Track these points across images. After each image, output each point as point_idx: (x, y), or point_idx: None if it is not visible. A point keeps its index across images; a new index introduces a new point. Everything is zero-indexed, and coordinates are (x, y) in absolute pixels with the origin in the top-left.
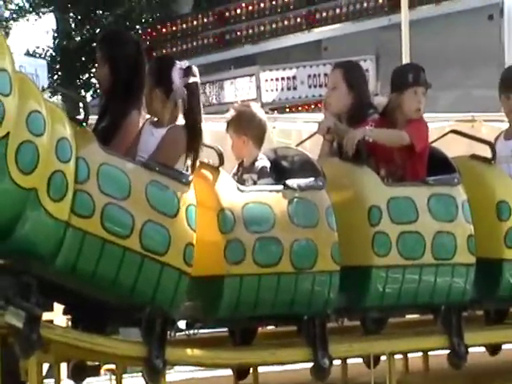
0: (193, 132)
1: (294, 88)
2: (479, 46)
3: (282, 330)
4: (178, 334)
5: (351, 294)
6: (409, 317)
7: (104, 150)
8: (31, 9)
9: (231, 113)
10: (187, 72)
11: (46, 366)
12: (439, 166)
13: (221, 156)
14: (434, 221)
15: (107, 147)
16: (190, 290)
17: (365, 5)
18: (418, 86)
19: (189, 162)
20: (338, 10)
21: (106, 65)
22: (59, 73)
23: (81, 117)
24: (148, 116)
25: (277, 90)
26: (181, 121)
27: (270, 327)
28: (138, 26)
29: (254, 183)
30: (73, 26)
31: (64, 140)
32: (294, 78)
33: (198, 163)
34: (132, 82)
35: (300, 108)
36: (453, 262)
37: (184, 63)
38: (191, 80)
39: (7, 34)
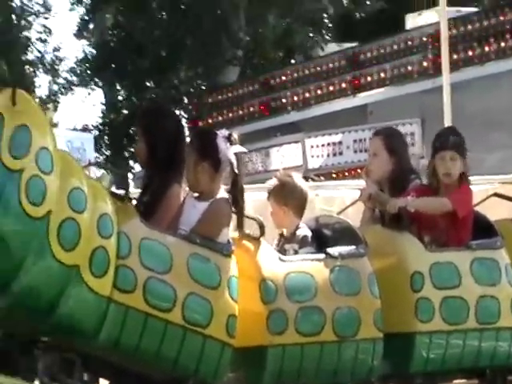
0: (241, 198)
1: (340, 153)
2: None
3: None
4: None
5: (395, 361)
6: (456, 382)
7: (145, 225)
8: (79, 83)
9: (273, 182)
10: (230, 140)
11: None
12: (482, 229)
13: (262, 227)
14: (477, 285)
15: (148, 222)
16: (233, 360)
17: (409, 68)
18: (445, 151)
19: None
20: (382, 74)
21: (144, 139)
22: (107, 145)
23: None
24: (187, 189)
25: (322, 155)
26: (222, 193)
27: None
28: (184, 97)
29: (296, 253)
30: (120, 98)
31: (105, 216)
32: (340, 143)
33: (239, 235)
34: (172, 156)
35: (346, 173)
36: (497, 325)
37: (223, 131)
38: (238, 149)
39: (56, 108)
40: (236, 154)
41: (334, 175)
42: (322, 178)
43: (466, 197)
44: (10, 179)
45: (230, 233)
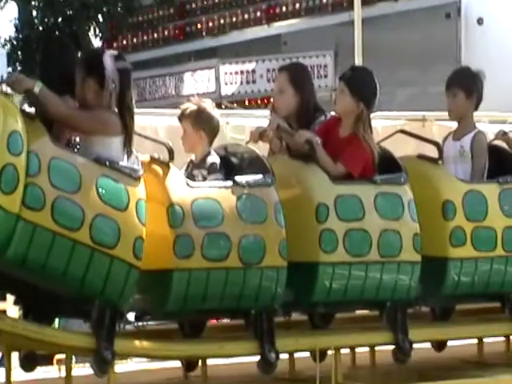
0: (127, 115)
1: (253, 82)
2: (436, 43)
3: (230, 323)
4: (127, 326)
5: (298, 290)
6: (358, 312)
7: (55, 144)
8: None
9: (190, 106)
10: (118, 58)
11: None
12: (386, 165)
13: (171, 152)
14: (381, 219)
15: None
16: (140, 283)
17: (324, 0)
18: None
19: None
20: (297, 5)
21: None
22: (20, 61)
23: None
24: None
25: (236, 83)
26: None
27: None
28: (99, 16)
29: (204, 179)
30: (35, 15)
31: (15, 133)
32: (254, 71)
33: (147, 158)
34: (66, 82)
35: (259, 102)
36: (398, 259)
37: (114, 52)
38: (123, 65)
39: None
40: (121, 70)
41: (246, 103)
42: (235, 105)
43: (358, 156)
44: None
45: (140, 156)
